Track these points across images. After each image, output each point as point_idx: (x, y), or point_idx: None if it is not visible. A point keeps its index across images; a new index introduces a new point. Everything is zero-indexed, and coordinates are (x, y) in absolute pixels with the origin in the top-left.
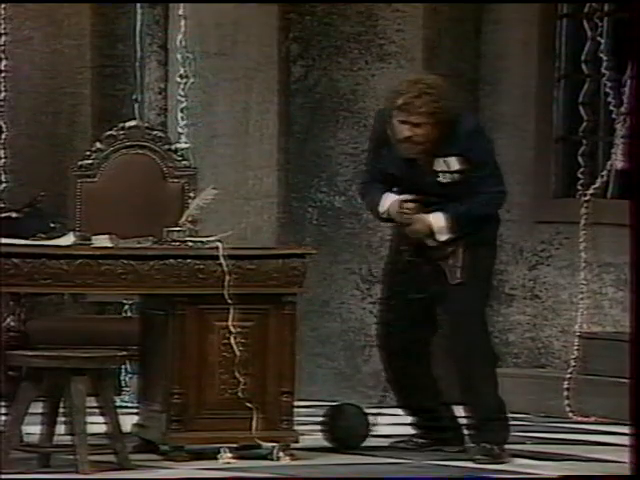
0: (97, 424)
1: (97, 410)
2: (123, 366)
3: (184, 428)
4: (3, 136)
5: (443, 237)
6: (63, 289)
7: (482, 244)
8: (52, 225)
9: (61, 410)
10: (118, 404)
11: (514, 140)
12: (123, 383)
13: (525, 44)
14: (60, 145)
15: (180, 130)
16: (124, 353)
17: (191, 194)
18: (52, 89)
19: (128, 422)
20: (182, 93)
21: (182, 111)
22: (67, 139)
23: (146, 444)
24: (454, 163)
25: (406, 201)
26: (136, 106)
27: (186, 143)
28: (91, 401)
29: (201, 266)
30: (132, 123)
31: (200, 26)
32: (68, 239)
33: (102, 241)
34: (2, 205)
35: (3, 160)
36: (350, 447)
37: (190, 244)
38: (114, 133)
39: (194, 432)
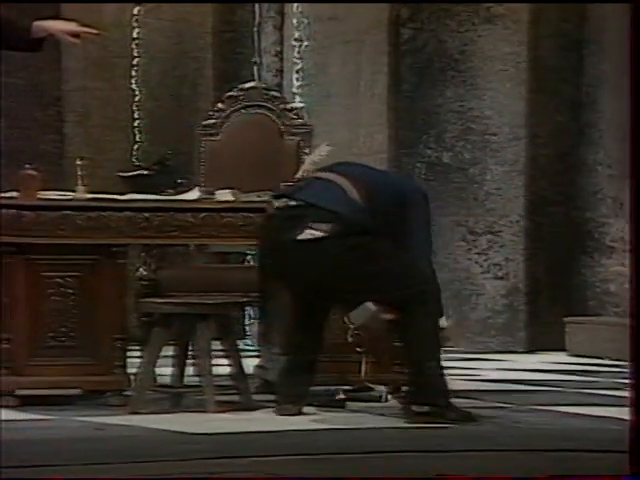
0: (222, 366)
1: (222, 353)
2: (245, 312)
3: None
4: (136, 98)
5: None
6: (189, 240)
7: None
8: (179, 181)
9: (190, 353)
10: (241, 347)
11: (615, 97)
12: (245, 328)
13: (627, 4)
14: (185, 106)
15: (295, 90)
16: (246, 299)
17: (306, 150)
18: (177, 54)
19: (250, 364)
20: (297, 56)
21: (297, 72)
22: (191, 100)
23: (267, 385)
24: None
25: None
26: (254, 68)
27: (301, 103)
28: (217, 344)
29: None
30: (251, 84)
31: None
32: (193, 194)
33: (224, 195)
34: (136, 163)
35: (137, 121)
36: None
37: None
38: (234, 94)
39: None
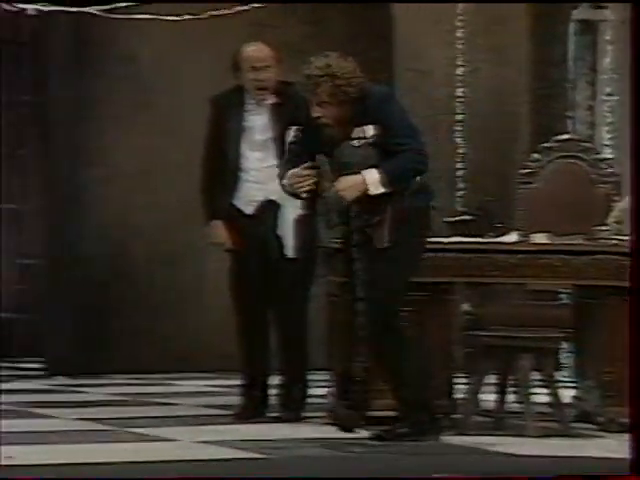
0: (541, 395)
1: (540, 383)
2: (561, 346)
3: (616, 402)
4: (460, 151)
5: (378, 190)
6: (508, 279)
7: (412, 213)
8: (498, 225)
9: (510, 382)
10: (558, 378)
11: None
12: (562, 360)
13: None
14: (503, 157)
15: (606, 142)
16: (561, 334)
17: (616, 198)
18: (496, 110)
19: (567, 394)
20: (608, 109)
21: (608, 125)
22: (509, 151)
23: (584, 415)
24: (369, 130)
25: (305, 168)
26: (569, 122)
27: (611, 154)
28: (535, 375)
29: (626, 262)
30: (565, 136)
31: (625, 49)
32: (511, 237)
33: (540, 238)
34: (459, 209)
35: (460, 171)
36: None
37: (616, 242)
38: (550, 145)
39: (624, 406)
